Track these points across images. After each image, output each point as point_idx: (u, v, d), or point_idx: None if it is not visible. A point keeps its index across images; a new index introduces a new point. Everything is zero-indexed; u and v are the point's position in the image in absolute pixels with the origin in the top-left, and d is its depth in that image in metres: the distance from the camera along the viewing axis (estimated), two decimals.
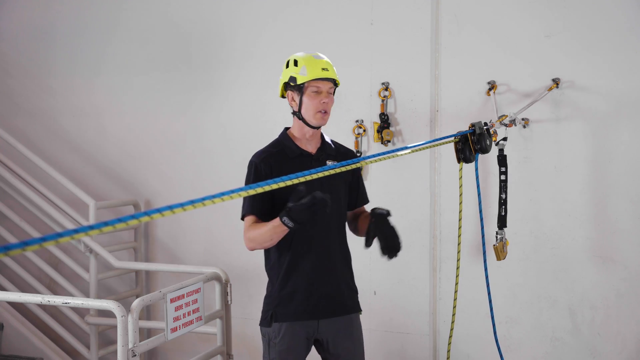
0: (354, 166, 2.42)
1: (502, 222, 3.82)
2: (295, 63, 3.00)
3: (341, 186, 3.11)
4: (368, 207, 3.21)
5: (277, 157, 3.06)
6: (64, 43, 5.29)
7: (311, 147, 3.10)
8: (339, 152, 3.17)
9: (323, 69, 2.97)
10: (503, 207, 3.83)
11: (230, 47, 4.84)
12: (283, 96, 3.12)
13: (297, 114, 3.04)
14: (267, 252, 3.13)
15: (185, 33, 4.96)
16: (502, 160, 3.83)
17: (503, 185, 3.84)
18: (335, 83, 3.03)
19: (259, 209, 3.00)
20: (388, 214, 2.97)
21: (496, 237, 3.79)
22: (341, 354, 3.09)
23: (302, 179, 2.06)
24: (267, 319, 3.06)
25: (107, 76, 5.19)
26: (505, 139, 3.85)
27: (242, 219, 3.10)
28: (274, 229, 2.87)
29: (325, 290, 3.04)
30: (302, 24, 4.64)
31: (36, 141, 5.33)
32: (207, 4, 4.90)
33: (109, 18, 5.17)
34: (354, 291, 3.19)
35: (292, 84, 3.00)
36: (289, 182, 1.98)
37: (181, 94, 4.99)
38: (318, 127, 3.06)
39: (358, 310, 3.18)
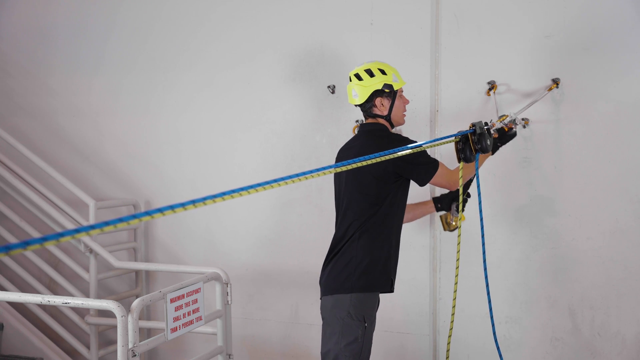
0: (353, 166, 2.41)
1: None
2: (383, 72, 3.37)
3: None
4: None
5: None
6: (64, 43, 5.28)
7: None
8: None
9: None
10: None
11: (229, 47, 4.84)
12: (365, 102, 3.41)
13: (386, 117, 3.41)
14: (372, 219, 3.31)
15: (185, 32, 4.96)
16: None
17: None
18: None
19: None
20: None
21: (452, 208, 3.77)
22: (374, 323, 3.39)
23: (301, 178, 2.07)
24: (387, 284, 3.37)
25: (107, 76, 5.19)
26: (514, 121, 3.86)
27: (435, 170, 3.34)
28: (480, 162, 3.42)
29: (396, 266, 3.48)
30: (302, 24, 4.64)
31: (36, 141, 5.33)
32: (206, 3, 4.90)
33: (108, 17, 5.17)
34: None
35: (387, 90, 3.36)
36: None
37: (181, 93, 4.99)
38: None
39: None
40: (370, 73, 3.36)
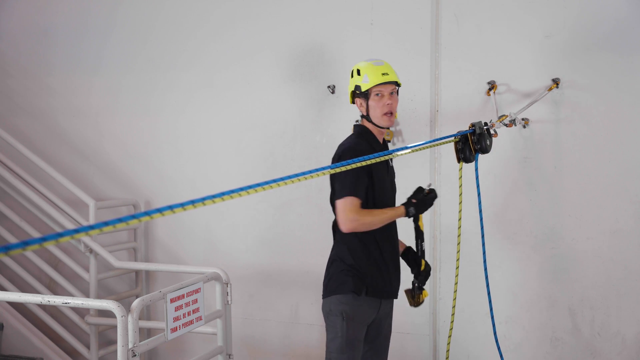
0: (352, 166, 2.41)
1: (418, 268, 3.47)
2: (358, 72, 3.32)
3: (394, 176, 3.54)
4: None
5: (367, 147, 3.28)
6: (64, 43, 5.28)
7: (381, 140, 3.43)
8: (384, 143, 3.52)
9: (383, 73, 3.29)
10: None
11: (229, 47, 4.84)
12: (353, 102, 3.41)
13: (367, 117, 3.33)
14: (351, 238, 3.28)
15: (185, 32, 4.96)
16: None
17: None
18: (397, 84, 3.34)
19: (362, 191, 3.21)
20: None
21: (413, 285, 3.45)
22: (381, 332, 3.38)
23: (301, 178, 2.07)
24: (362, 290, 3.25)
25: (107, 76, 5.19)
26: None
27: (340, 198, 3.20)
28: (395, 216, 3.24)
29: (395, 274, 3.38)
30: (302, 24, 4.64)
31: (36, 141, 5.33)
32: (206, 3, 4.89)
33: (107, 17, 5.17)
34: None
35: (357, 92, 3.32)
36: (298, 178, 1.98)
37: (181, 93, 4.99)
38: (388, 127, 3.37)
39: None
40: (351, 74, 3.37)
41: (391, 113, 3.30)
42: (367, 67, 3.31)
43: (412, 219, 3.34)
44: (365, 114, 3.33)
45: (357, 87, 3.30)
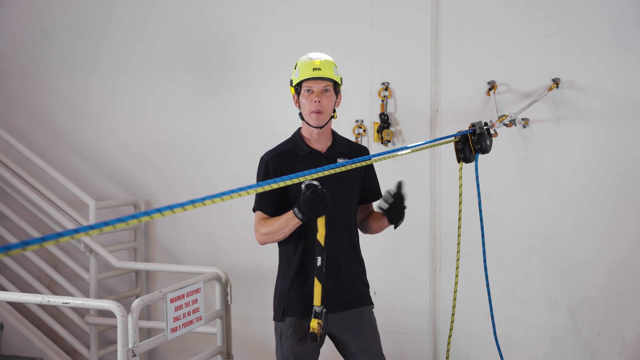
0: (353, 166, 2.41)
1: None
2: (296, 66, 3.08)
3: (354, 183, 3.15)
4: None
5: (287, 155, 3.10)
6: (62, 42, 5.28)
7: (321, 146, 3.12)
8: (352, 150, 3.18)
9: (314, 68, 3.01)
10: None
11: (229, 46, 4.84)
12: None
13: (300, 115, 3.10)
14: (279, 247, 3.20)
15: (184, 32, 4.96)
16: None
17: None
18: (333, 81, 3.03)
19: (267, 205, 3.07)
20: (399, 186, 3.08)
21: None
22: (352, 347, 3.12)
23: (302, 178, 2.07)
24: (280, 314, 3.16)
25: (106, 75, 5.19)
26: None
27: (254, 211, 3.15)
28: (287, 221, 2.95)
29: (334, 285, 3.07)
30: (302, 23, 4.64)
31: (36, 141, 5.33)
32: (205, 3, 4.89)
33: (106, 17, 5.17)
34: (365, 285, 3.23)
35: (291, 86, 3.09)
36: (290, 181, 1.98)
37: (181, 93, 4.99)
38: (319, 127, 3.06)
39: (369, 303, 3.21)
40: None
41: (319, 112, 3.00)
42: (302, 60, 3.06)
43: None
44: (299, 111, 3.09)
45: (290, 81, 3.09)
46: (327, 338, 3.12)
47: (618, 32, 3.98)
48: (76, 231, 1.37)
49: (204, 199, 1.66)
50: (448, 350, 3.63)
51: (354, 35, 4.49)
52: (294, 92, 3.10)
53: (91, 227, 1.41)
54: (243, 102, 4.82)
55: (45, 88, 5.36)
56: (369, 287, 3.26)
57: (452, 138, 3.32)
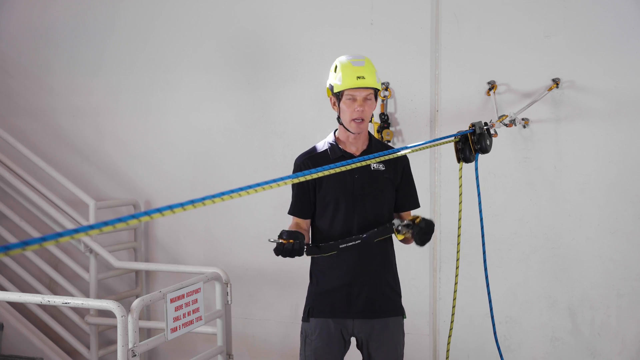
0: (350, 167, 2.40)
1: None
2: (336, 69, 3.04)
3: (386, 187, 3.12)
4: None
5: (318, 158, 3.10)
6: (64, 43, 5.28)
7: (355, 149, 3.12)
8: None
9: (358, 77, 2.98)
10: None
11: (229, 47, 4.84)
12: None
13: (338, 119, 3.09)
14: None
15: (184, 32, 4.96)
16: None
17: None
18: (375, 89, 3.03)
19: (299, 210, 3.14)
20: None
21: None
22: (373, 355, 3.11)
23: (301, 178, 2.07)
24: (306, 314, 3.16)
25: (107, 76, 5.19)
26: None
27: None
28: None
29: (363, 291, 3.08)
30: (301, 23, 4.64)
31: (36, 141, 5.32)
32: (206, 3, 4.89)
33: (108, 18, 5.17)
34: (396, 294, 3.20)
35: (331, 91, 3.06)
36: (297, 179, 1.98)
37: (181, 93, 4.99)
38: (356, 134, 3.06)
39: (398, 314, 3.18)
40: (333, 68, 3.07)
41: (362, 120, 3.00)
42: (345, 65, 3.00)
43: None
44: (338, 115, 3.08)
45: (331, 87, 3.04)
46: (352, 344, 3.16)
47: (618, 32, 3.98)
48: (76, 231, 1.37)
49: (204, 199, 1.66)
50: (448, 350, 3.63)
51: (354, 35, 4.49)
52: (330, 94, 3.07)
53: (91, 227, 1.41)
54: (243, 102, 4.82)
55: (46, 88, 5.36)
56: (400, 297, 3.22)
57: (452, 138, 3.31)
